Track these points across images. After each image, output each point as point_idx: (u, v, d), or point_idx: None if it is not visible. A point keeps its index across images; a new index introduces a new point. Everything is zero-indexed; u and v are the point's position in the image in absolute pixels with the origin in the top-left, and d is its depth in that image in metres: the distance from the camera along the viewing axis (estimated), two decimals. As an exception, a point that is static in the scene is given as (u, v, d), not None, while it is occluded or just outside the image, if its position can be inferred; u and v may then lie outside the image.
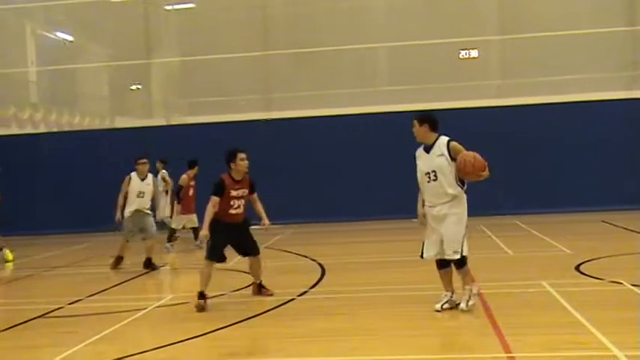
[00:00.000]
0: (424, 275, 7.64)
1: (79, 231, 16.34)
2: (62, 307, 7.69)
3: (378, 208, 15.81)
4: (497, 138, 15.73)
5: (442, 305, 6.39)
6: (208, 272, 7.20)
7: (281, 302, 7.27)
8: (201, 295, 7.14)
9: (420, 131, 6.30)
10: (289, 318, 6.67)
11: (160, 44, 19.73)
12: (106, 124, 19.80)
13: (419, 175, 6.34)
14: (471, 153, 6.14)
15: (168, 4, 19.27)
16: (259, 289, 7.73)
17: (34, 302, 8.20)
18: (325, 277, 8.94)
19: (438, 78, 17.56)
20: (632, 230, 12.27)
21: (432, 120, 6.31)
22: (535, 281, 7.67)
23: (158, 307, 7.57)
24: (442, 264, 6.44)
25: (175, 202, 12.58)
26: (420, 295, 7.17)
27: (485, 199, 15.26)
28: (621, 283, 7.33)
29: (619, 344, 5.03)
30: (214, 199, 7.18)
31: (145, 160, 10.25)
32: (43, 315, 7.30)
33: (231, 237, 7.36)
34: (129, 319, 6.89)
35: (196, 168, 12.44)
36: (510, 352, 5.04)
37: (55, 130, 19.39)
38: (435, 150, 6.22)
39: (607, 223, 13.61)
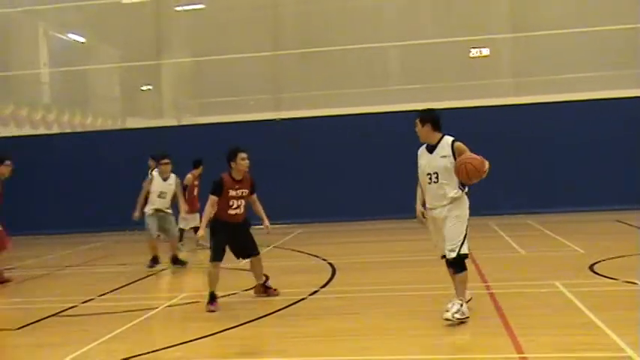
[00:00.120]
0: (434, 275, 7.61)
1: (92, 231, 16.44)
2: (75, 306, 7.75)
3: (389, 207, 15.75)
4: (509, 136, 15.66)
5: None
6: (215, 273, 7.16)
7: (291, 302, 7.26)
8: (212, 296, 7.13)
9: (423, 131, 6.07)
10: (300, 318, 6.67)
11: (171, 45, 19.82)
12: (118, 125, 19.93)
13: (420, 174, 6.14)
14: (469, 159, 5.82)
15: (178, 5, 19.32)
16: (264, 289, 7.65)
17: (47, 301, 8.25)
18: (336, 276, 8.93)
19: (449, 77, 17.50)
20: (646, 230, 12.16)
21: (435, 119, 6.05)
22: (548, 281, 7.61)
23: (169, 306, 7.59)
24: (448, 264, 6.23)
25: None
26: (431, 295, 7.14)
27: (496, 198, 15.28)
28: (636, 283, 7.26)
29: (634, 345, 4.97)
30: (212, 199, 7.12)
31: (167, 161, 10.14)
32: (56, 313, 7.36)
33: (231, 237, 7.25)
34: (140, 319, 6.92)
35: (201, 167, 12.39)
36: (523, 353, 5.00)
37: (67, 130, 19.55)
38: (439, 150, 5.99)
39: (622, 222, 13.49)
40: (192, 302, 7.58)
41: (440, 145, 6.01)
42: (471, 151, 5.99)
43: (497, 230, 13.10)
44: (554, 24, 16.96)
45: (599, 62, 16.95)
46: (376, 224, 15.33)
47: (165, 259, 10.34)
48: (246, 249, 7.45)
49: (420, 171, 6.13)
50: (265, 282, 7.72)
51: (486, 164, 5.84)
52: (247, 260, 7.65)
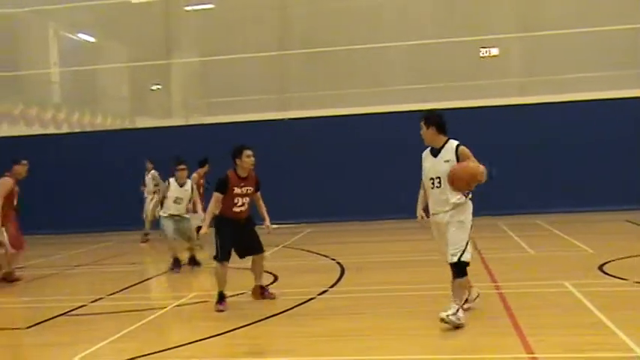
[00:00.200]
0: (442, 275, 7.56)
1: (101, 230, 16.52)
2: (85, 305, 7.78)
3: (399, 207, 15.74)
4: (519, 136, 15.62)
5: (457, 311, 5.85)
6: (223, 273, 7.13)
7: (300, 302, 7.26)
8: (221, 296, 7.12)
9: (428, 133, 5.89)
10: (308, 317, 6.66)
11: (180, 45, 19.88)
12: (127, 124, 20.01)
13: (424, 178, 6.00)
14: (453, 168, 5.68)
15: (188, 5, 19.39)
16: (261, 290, 7.49)
17: (57, 300, 8.30)
18: (344, 276, 8.92)
19: (458, 76, 17.44)
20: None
21: (440, 121, 5.87)
22: (557, 281, 7.58)
23: (178, 305, 7.60)
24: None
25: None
26: (439, 295, 7.11)
27: (506, 198, 15.22)
28: (646, 284, 7.23)
29: (643, 345, 4.95)
30: (217, 196, 7.07)
31: (184, 166, 10.05)
32: (66, 313, 7.39)
33: (236, 234, 7.17)
34: (149, 318, 6.94)
35: (207, 166, 12.30)
36: (532, 353, 4.98)
37: (77, 130, 19.65)
38: (443, 155, 5.81)
39: (631, 222, 13.41)
40: (202, 302, 7.60)
41: (444, 149, 5.84)
42: (476, 153, 5.83)
43: (506, 230, 13.06)
44: (559, 24, 16.88)
45: (611, 61, 16.82)
46: (387, 224, 15.31)
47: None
48: (251, 247, 7.34)
49: (424, 174, 6.00)
50: (265, 284, 7.58)
51: (473, 170, 5.62)
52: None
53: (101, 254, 13.06)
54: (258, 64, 18.58)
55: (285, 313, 6.81)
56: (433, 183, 5.86)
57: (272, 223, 7.40)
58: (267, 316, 6.68)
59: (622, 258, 9.03)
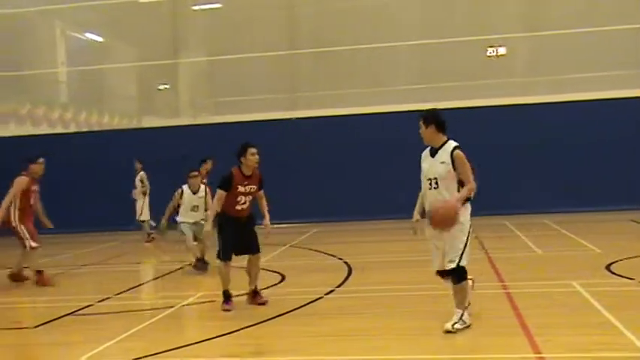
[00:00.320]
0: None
1: (107, 230, 16.57)
2: (92, 305, 7.80)
3: (407, 207, 15.71)
4: (521, 136, 15.57)
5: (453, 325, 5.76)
6: (226, 272, 7.11)
7: (307, 301, 7.26)
8: (227, 295, 7.13)
9: (427, 132, 5.76)
10: (314, 317, 6.67)
11: (188, 44, 19.91)
12: (134, 124, 20.05)
13: (422, 178, 5.88)
14: (440, 218, 5.53)
15: (195, 5, 19.42)
16: (253, 294, 7.27)
17: (64, 299, 8.32)
18: (352, 276, 8.92)
19: (466, 76, 17.38)
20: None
21: (439, 120, 5.75)
22: (564, 281, 7.56)
23: (185, 305, 7.62)
24: (442, 276, 5.92)
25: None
26: (446, 294, 7.10)
27: (513, 198, 15.17)
28: (653, 284, 7.19)
29: (651, 346, 4.93)
30: (220, 193, 7.01)
31: (196, 173, 10.09)
32: (73, 312, 7.41)
33: (237, 232, 7.13)
34: (156, 317, 6.96)
35: (209, 163, 12.01)
36: (539, 353, 4.97)
37: (84, 129, 19.70)
38: (440, 155, 5.70)
39: (636, 222, 13.36)
40: (209, 301, 7.61)
41: (442, 150, 5.73)
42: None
43: (513, 230, 13.02)
44: (561, 24, 16.82)
45: (619, 61, 16.75)
46: (393, 223, 15.26)
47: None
48: (248, 246, 7.24)
49: (422, 175, 5.89)
50: (255, 287, 7.37)
51: (449, 214, 5.50)
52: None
53: (107, 254, 13.10)
54: (265, 63, 18.59)
55: (291, 313, 6.81)
56: (430, 184, 5.76)
57: (272, 223, 7.33)
58: (274, 315, 6.68)
59: (629, 258, 8.99)
